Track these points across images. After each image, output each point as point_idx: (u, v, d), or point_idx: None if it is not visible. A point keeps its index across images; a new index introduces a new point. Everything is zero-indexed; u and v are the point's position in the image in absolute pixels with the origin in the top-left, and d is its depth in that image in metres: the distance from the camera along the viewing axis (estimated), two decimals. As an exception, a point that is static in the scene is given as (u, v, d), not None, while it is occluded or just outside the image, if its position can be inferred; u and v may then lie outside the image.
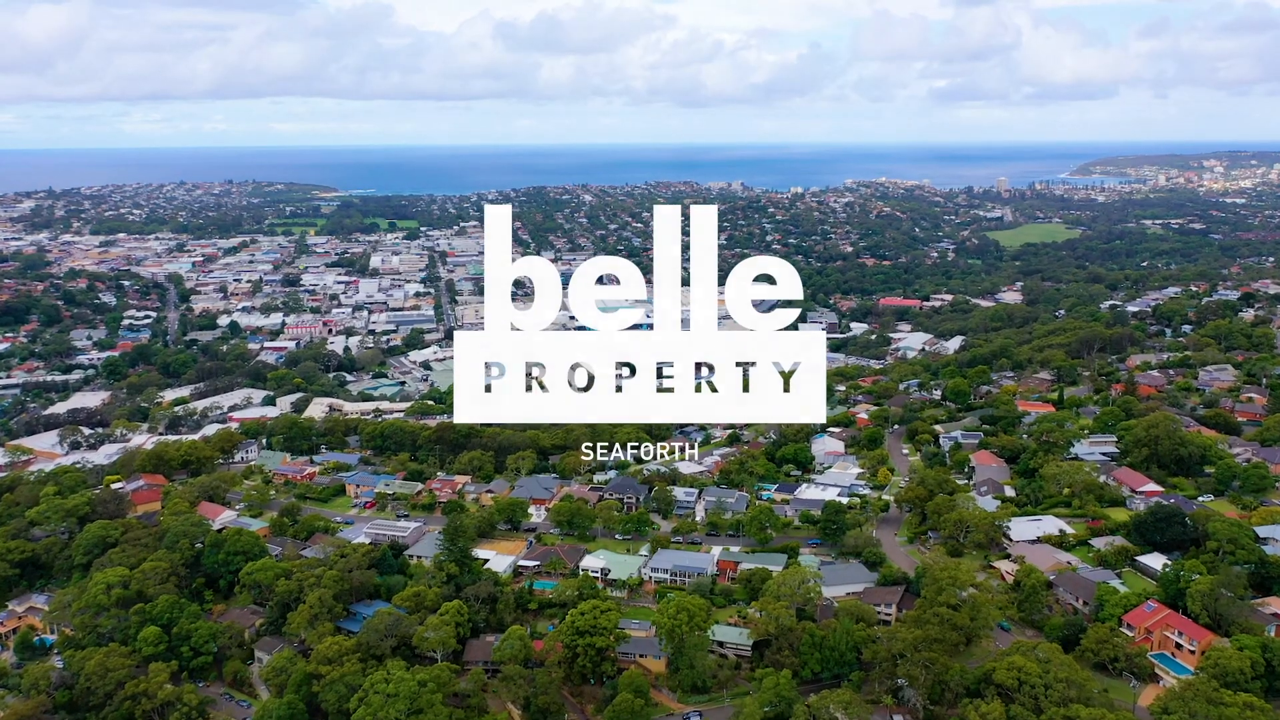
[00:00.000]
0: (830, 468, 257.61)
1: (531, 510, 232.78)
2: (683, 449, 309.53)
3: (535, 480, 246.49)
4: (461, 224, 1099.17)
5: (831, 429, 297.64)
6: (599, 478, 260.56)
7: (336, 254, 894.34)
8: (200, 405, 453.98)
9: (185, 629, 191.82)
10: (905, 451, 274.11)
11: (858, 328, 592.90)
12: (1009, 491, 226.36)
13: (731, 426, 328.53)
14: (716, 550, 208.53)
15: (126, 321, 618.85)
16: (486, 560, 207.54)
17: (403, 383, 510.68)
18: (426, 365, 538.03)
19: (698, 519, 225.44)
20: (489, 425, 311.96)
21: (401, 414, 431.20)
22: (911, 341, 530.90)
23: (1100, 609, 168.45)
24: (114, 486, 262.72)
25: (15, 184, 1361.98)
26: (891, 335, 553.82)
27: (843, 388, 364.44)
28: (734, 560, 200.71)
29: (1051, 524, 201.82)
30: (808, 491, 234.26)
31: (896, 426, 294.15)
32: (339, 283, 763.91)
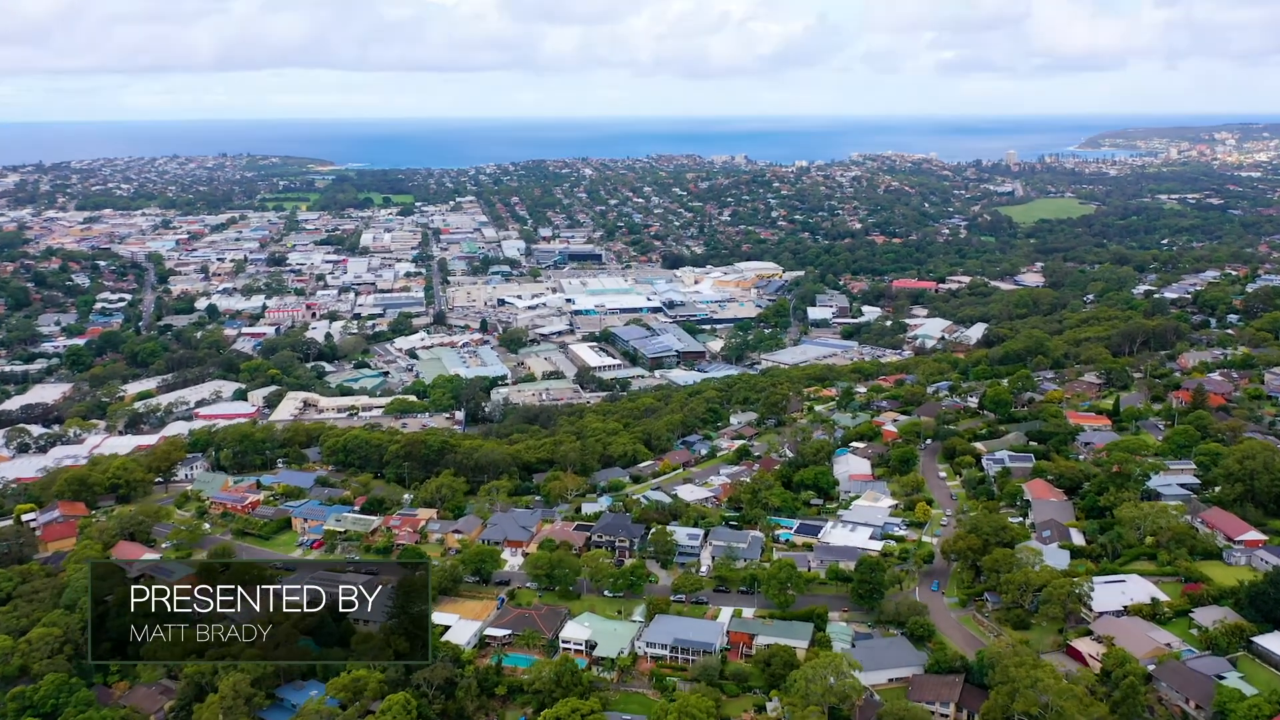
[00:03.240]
0: (857, 498, 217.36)
1: (506, 555, 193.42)
2: (685, 466, 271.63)
3: (511, 517, 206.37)
4: (458, 199, 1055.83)
5: (855, 444, 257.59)
6: (588, 508, 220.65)
7: (327, 231, 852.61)
8: (165, 400, 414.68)
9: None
10: (942, 475, 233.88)
11: (870, 312, 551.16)
12: (1076, 537, 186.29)
13: (740, 437, 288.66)
14: (726, 614, 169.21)
15: (99, 305, 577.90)
16: (447, 628, 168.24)
17: (386, 373, 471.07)
18: (412, 354, 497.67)
19: (703, 570, 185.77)
20: (466, 439, 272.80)
21: (380, 410, 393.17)
22: (929, 329, 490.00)
23: (1223, 718, 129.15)
24: (26, 518, 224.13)
25: (6, 157, 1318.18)
26: (907, 321, 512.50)
27: (863, 389, 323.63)
28: (748, 632, 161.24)
29: (1139, 588, 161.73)
30: (834, 533, 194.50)
31: (930, 441, 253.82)
32: (327, 262, 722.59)
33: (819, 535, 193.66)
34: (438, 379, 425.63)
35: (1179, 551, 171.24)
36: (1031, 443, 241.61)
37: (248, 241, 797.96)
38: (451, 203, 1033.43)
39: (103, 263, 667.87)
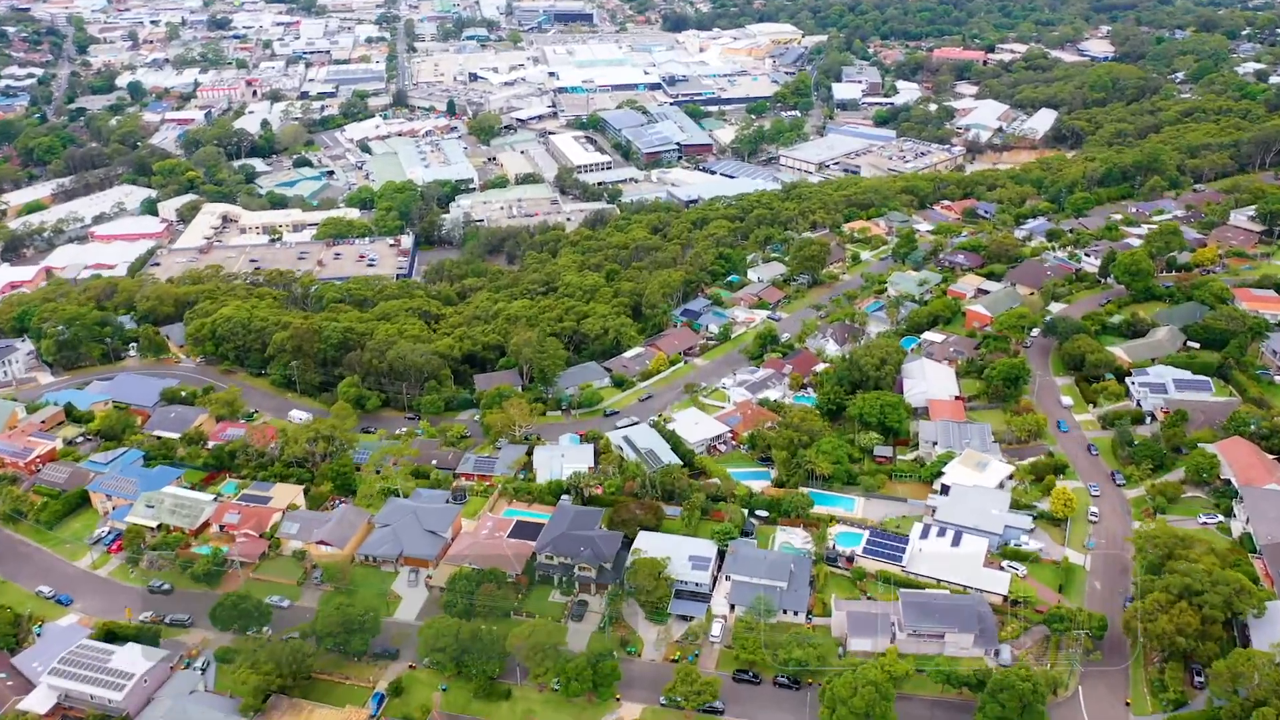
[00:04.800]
0: (949, 458, 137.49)
1: (400, 584, 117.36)
2: (687, 354, 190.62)
3: (413, 514, 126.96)
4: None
5: (929, 336, 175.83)
6: (543, 466, 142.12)
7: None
8: (56, 215, 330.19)
9: None
10: (1066, 401, 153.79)
11: (906, 89, 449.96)
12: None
13: (762, 304, 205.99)
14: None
15: (2, 84, 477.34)
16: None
17: (330, 172, 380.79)
18: (364, 146, 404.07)
19: (714, 632, 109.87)
20: (379, 325, 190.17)
21: (312, 231, 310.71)
22: (982, 116, 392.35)
23: None
24: None
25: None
26: (953, 105, 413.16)
27: (926, 228, 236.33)
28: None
29: None
30: (926, 553, 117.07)
31: (1035, 333, 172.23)
32: (278, 24, 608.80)
33: (903, 561, 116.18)
34: (388, 186, 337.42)
35: None
36: (1191, 344, 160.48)
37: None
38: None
39: (12, 28, 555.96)
